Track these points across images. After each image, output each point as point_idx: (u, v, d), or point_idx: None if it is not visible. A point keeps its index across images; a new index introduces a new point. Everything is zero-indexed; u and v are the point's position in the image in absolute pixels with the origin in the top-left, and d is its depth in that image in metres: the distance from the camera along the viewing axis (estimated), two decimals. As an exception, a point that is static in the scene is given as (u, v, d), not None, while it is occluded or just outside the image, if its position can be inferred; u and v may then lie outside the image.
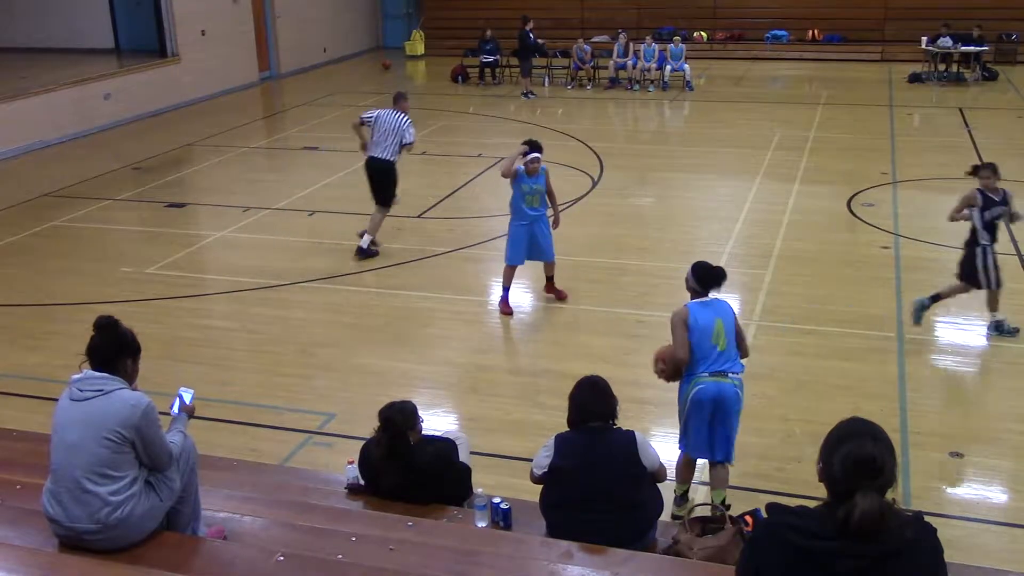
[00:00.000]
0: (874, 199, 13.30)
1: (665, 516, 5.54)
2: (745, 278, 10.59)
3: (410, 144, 11.40)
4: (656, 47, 22.53)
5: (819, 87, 22.33)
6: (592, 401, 5.07)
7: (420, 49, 28.51)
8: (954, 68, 22.78)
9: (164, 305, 10.21)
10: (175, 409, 4.75)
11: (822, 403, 7.71)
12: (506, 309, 9.83)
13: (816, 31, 26.27)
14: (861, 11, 25.72)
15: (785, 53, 26.13)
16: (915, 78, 22.43)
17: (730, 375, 6.00)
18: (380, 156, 11.25)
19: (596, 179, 14.57)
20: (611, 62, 22.88)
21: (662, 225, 12.72)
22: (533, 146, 9.50)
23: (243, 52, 23.81)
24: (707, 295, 6.23)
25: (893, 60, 24.69)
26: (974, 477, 6.88)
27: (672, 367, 6.12)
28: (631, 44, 22.89)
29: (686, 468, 6.39)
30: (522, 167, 9.49)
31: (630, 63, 22.56)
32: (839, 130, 17.68)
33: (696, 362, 5.99)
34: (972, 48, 22.32)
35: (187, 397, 4.79)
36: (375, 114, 11.38)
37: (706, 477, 6.54)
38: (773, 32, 26.58)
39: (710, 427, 6.04)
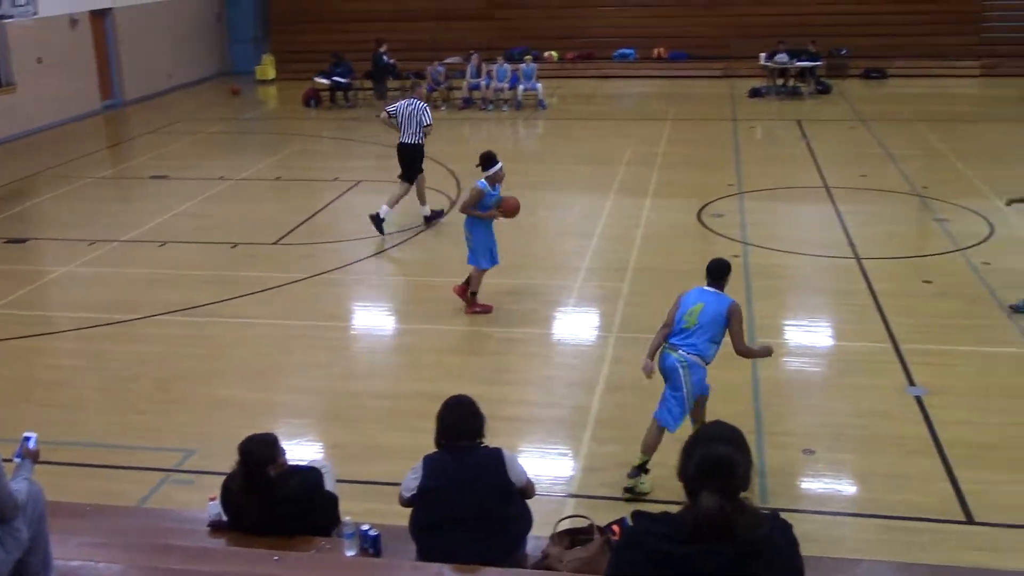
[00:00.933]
0: (722, 210, 13.80)
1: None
2: (603, 292, 10.81)
3: (428, 126, 13.04)
4: (508, 67, 22.84)
5: (666, 103, 23.03)
6: (459, 420, 5.08)
7: (271, 73, 28.08)
8: (791, 82, 23.88)
9: (7, 346, 9.71)
10: (18, 455, 4.52)
11: (682, 410, 7.91)
12: (486, 307, 10.20)
13: (662, 49, 27.12)
14: (703, 30, 26.70)
15: (633, 71, 26.88)
16: (755, 93, 23.41)
17: (680, 350, 6.66)
18: (408, 141, 13.04)
19: (454, 199, 14.63)
20: (464, 83, 23.07)
21: (522, 243, 12.85)
22: (492, 157, 10.18)
23: (84, 79, 22.95)
24: (717, 286, 6.87)
25: (735, 76, 25.70)
26: (825, 472, 7.19)
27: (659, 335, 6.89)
28: (484, 65, 23.14)
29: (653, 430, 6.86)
30: (484, 183, 10.01)
31: (483, 83, 22.80)
32: (687, 144, 18.27)
33: (671, 334, 6.76)
34: (807, 63, 23.47)
35: (31, 441, 4.57)
36: (396, 107, 13.21)
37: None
38: (621, 51, 27.31)
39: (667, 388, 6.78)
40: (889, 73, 25.57)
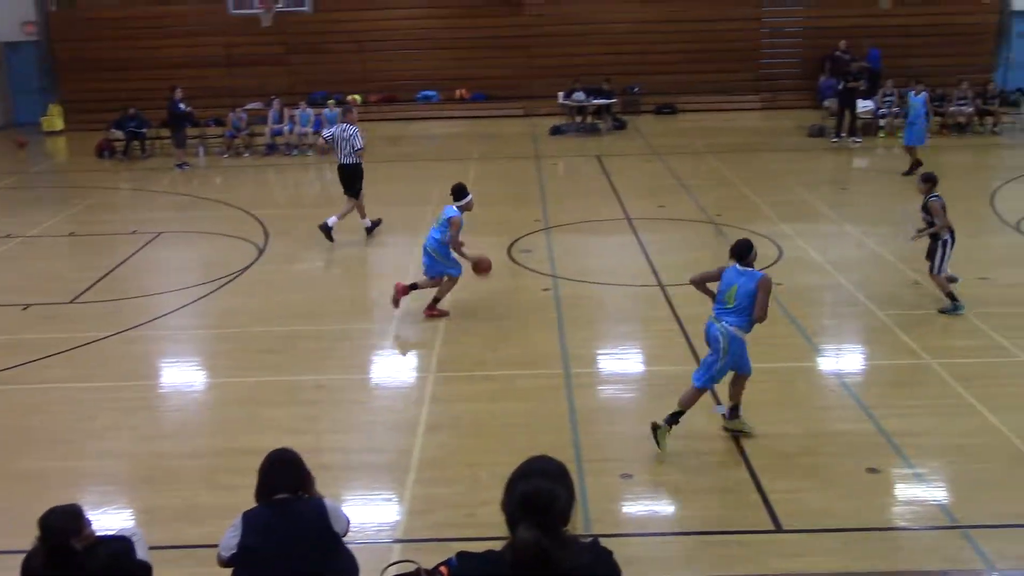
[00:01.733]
0: (531, 245, 14.10)
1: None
2: (420, 332, 10.82)
3: (360, 149, 14.56)
4: (311, 112, 22.63)
5: (471, 143, 23.37)
6: (279, 473, 4.94)
7: (59, 124, 26.73)
8: (589, 119, 24.75)
9: None
10: None
11: (504, 444, 8.00)
12: (444, 312, 11.17)
13: (463, 91, 27.56)
14: (502, 71, 27.32)
15: (437, 112, 27.18)
16: (556, 130, 24.12)
17: (723, 321, 7.72)
18: (346, 162, 14.61)
19: (262, 247, 14.32)
20: (267, 129, 22.69)
21: (335, 287, 12.72)
22: (463, 188, 11.14)
23: None
24: (745, 264, 7.75)
25: (535, 115, 26.40)
26: (644, 494, 7.43)
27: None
28: (285, 110, 22.84)
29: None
30: (459, 212, 10.93)
31: (286, 129, 22.50)
32: (493, 183, 18.59)
33: (716, 302, 7.86)
34: (603, 101, 24.42)
35: None
36: (331, 132, 14.78)
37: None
38: (424, 93, 27.57)
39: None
40: (679, 108, 26.92)
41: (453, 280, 11.15)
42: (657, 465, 7.77)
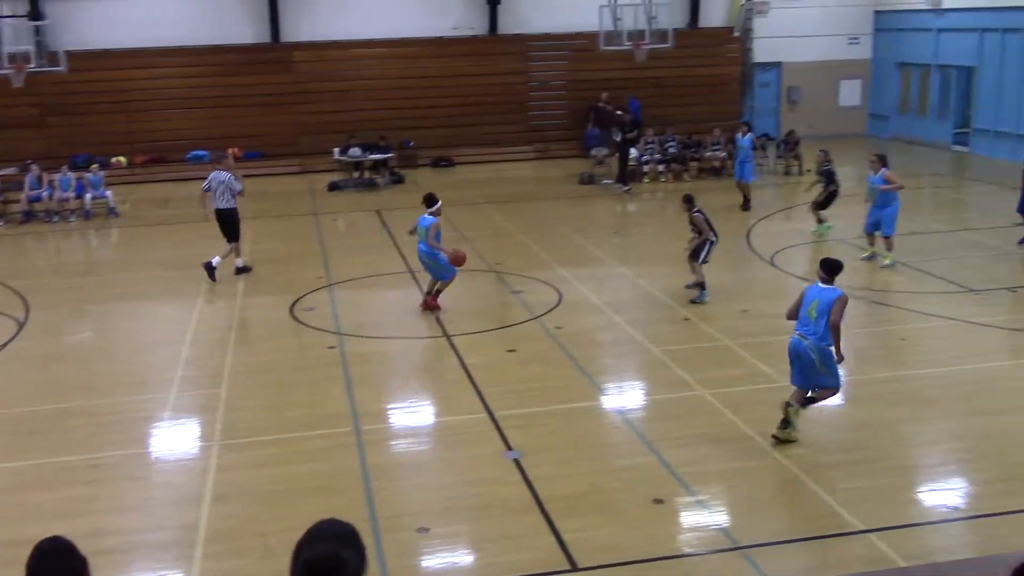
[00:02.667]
0: (314, 303, 13.89)
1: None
2: (200, 400, 10.40)
3: (239, 191, 15.52)
4: (72, 176, 21.46)
5: (246, 202, 22.73)
6: (48, 566, 4.58)
7: None
8: (367, 174, 24.76)
9: None
10: None
11: (294, 509, 7.77)
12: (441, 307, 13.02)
13: (236, 149, 26.92)
14: (275, 128, 26.94)
15: (209, 172, 26.30)
16: (334, 186, 23.97)
17: (808, 337, 8.61)
18: (223, 207, 15.35)
19: (23, 320, 13.40)
20: (23, 195, 21.30)
21: (106, 359, 12.04)
22: (433, 196, 13.23)
23: None
24: (829, 281, 8.72)
25: (312, 171, 26.15)
26: (441, 547, 7.40)
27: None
28: (44, 175, 21.54)
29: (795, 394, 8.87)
30: (436, 217, 12.91)
31: (45, 194, 21.21)
32: (273, 241, 18.22)
33: (797, 323, 8.74)
34: (379, 156, 24.51)
35: None
36: (208, 181, 15.52)
37: None
38: (194, 152, 26.76)
39: (792, 364, 8.84)
40: (456, 161, 27.41)
41: (445, 284, 13.09)
42: (454, 516, 7.77)
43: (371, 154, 24.42)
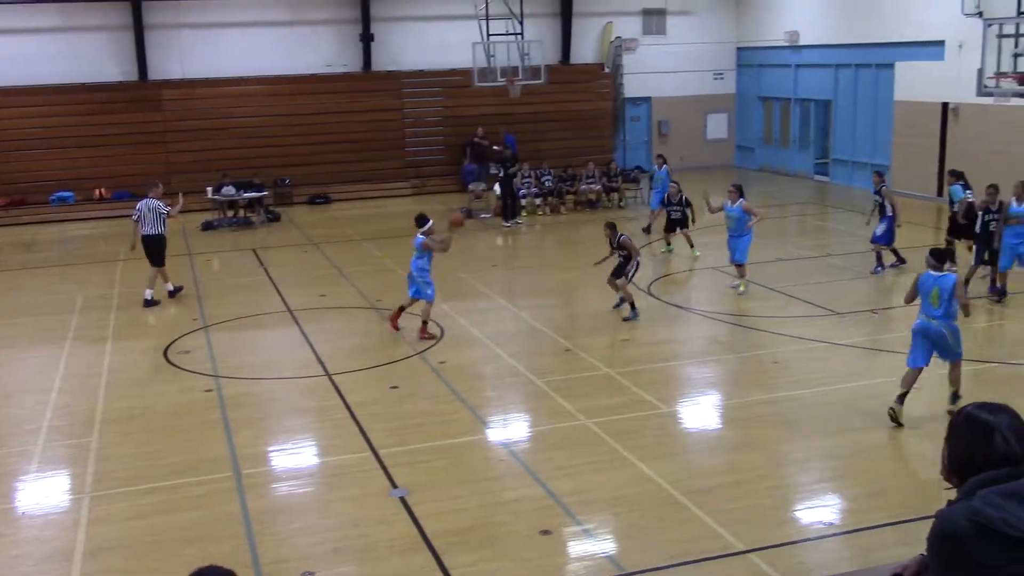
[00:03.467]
0: (189, 346, 13.52)
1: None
2: (70, 449, 9.98)
3: (165, 214, 16.09)
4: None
5: (115, 244, 22.08)
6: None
7: None
8: (242, 213, 24.32)
9: None
10: None
11: (173, 560, 7.51)
12: (434, 335, 13.46)
13: (103, 190, 26.15)
14: (145, 167, 26.13)
15: (75, 214, 25.56)
16: (208, 226, 23.46)
17: (935, 320, 9.64)
18: (151, 233, 15.99)
19: None
20: None
21: (-36, 412, 11.43)
22: (424, 216, 13.68)
23: None
24: (939, 268, 9.71)
25: (185, 211, 25.45)
26: (328, 590, 7.25)
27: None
28: None
29: (908, 377, 9.83)
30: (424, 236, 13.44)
31: None
32: (143, 283, 17.66)
33: (921, 309, 9.81)
34: (254, 194, 24.13)
35: None
36: (138, 210, 16.10)
37: None
38: (59, 194, 25.85)
39: (924, 350, 9.77)
40: (333, 198, 27.19)
41: (430, 303, 13.46)
42: (340, 558, 7.64)
43: (245, 192, 24.02)
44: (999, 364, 11.92)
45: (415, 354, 12.77)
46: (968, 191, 16.04)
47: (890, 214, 16.16)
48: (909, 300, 10.21)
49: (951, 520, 3.03)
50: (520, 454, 9.60)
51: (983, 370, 11.61)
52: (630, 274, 14.32)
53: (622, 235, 14.45)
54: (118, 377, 12.28)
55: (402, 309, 13.77)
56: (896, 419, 9.77)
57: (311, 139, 27.43)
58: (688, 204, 18.24)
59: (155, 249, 16.06)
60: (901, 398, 9.81)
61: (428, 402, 11.09)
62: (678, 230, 18.33)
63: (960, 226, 16.15)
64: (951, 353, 9.92)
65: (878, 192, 16.47)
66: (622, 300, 14.37)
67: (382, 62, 28.38)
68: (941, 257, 9.94)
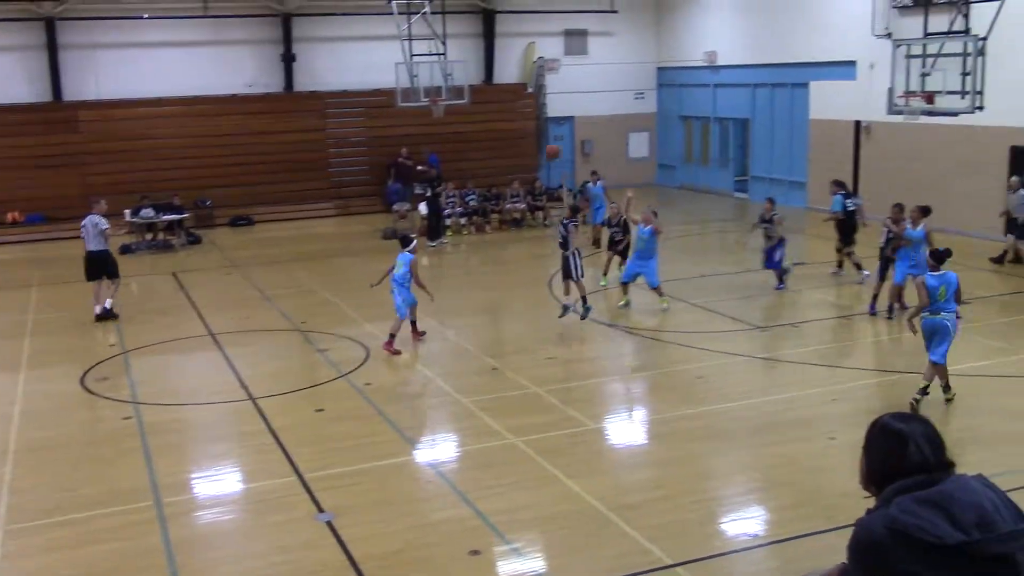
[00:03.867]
0: (107, 372, 13.18)
1: None
2: (-19, 483, 9.63)
3: (106, 229, 16.09)
4: None
5: (30, 269, 21.55)
6: None
7: None
8: (161, 236, 23.86)
9: None
10: None
11: (92, 593, 7.30)
12: (398, 351, 13.41)
13: (16, 214, 25.45)
14: (60, 190, 25.56)
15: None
16: (126, 249, 22.91)
17: (943, 313, 10.41)
18: (94, 249, 16.04)
19: None
20: None
21: None
22: (408, 236, 14.29)
23: None
24: (940, 267, 10.47)
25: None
26: (254, 619, 7.11)
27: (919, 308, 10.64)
28: None
29: (930, 369, 10.57)
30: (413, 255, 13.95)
31: None
32: (59, 309, 17.23)
33: (930, 305, 10.47)
34: (174, 216, 23.70)
35: None
36: (83, 226, 16.13)
37: None
38: (-34, 218, 25.09)
39: (929, 340, 10.55)
40: (255, 220, 26.85)
41: (399, 323, 13.68)
42: (264, 585, 7.50)
43: (165, 215, 23.58)
44: (911, 374, 12.26)
45: (340, 376, 12.64)
46: (850, 200, 17.02)
47: (780, 239, 16.58)
48: (925, 304, 10.63)
49: (869, 528, 3.10)
50: (448, 474, 9.55)
51: (894, 380, 11.92)
52: (573, 273, 14.60)
53: (570, 220, 15.13)
54: (33, 405, 11.91)
55: (414, 326, 14.18)
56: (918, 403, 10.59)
57: (233, 160, 27.08)
58: (627, 229, 17.61)
59: (100, 265, 16.10)
60: (923, 391, 10.68)
61: (354, 424, 10.97)
62: (617, 255, 17.52)
63: (847, 234, 16.95)
64: (943, 342, 10.54)
65: (769, 220, 16.76)
66: (565, 308, 14.75)
67: (304, 82, 28.18)
68: (940, 258, 10.65)
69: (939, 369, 10.63)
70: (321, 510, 8.62)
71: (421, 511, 8.73)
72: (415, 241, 14.21)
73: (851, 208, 16.92)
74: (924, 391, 10.61)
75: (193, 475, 9.78)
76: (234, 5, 27.25)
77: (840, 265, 17.54)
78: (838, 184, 17.49)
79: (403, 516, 8.58)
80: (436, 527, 8.37)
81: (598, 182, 21.82)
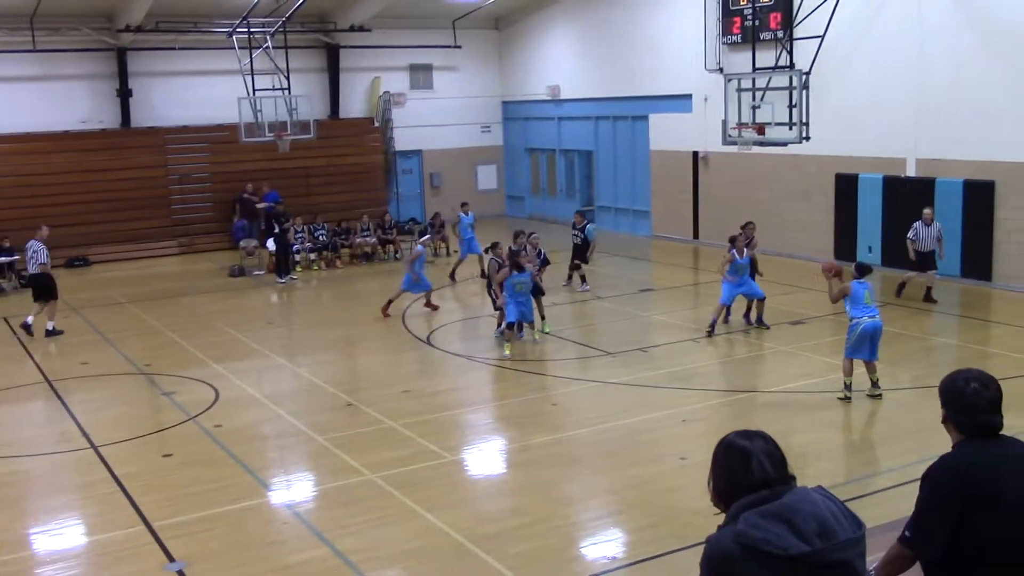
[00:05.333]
0: (-67, 426, 12.37)
1: None
2: None
3: (44, 263, 17.03)
4: None
5: None
6: None
7: None
8: (-11, 280, 22.63)
9: None
10: None
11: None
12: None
13: None
14: None
15: None
16: (-49, 295, 21.66)
17: (876, 317, 11.71)
18: (34, 272, 17.12)
19: None
20: None
21: None
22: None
23: None
24: (865, 278, 11.82)
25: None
26: None
27: (838, 293, 11.80)
28: None
29: (850, 365, 11.89)
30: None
31: None
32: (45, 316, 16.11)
33: (859, 312, 11.62)
34: (4, 259, 22.52)
35: None
36: (27, 248, 17.13)
37: None
38: None
39: (870, 343, 11.66)
40: (92, 260, 25.77)
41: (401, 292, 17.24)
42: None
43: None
44: (757, 393, 12.78)
45: (188, 419, 12.24)
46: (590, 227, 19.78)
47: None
48: (836, 300, 11.94)
49: (719, 543, 3.23)
50: (304, 515, 9.36)
51: (740, 399, 12.41)
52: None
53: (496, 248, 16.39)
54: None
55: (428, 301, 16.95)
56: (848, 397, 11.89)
57: (67, 199, 25.92)
58: (547, 262, 17.46)
59: (42, 286, 17.20)
60: (848, 386, 11.91)
61: (204, 468, 10.62)
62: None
63: (581, 254, 19.64)
64: (876, 349, 11.91)
65: (582, 229, 19.37)
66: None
67: (142, 118, 27.31)
68: (863, 271, 12.02)
69: (870, 366, 11.99)
70: (172, 559, 8.30)
71: (278, 554, 8.52)
72: (428, 235, 15.60)
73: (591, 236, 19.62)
74: (876, 384, 12.02)
75: (32, 530, 9.26)
76: (65, 39, 26.18)
77: (570, 278, 19.87)
78: (582, 214, 20.38)
79: (259, 560, 8.36)
80: (293, 569, 8.18)
81: (469, 212, 22.03)
